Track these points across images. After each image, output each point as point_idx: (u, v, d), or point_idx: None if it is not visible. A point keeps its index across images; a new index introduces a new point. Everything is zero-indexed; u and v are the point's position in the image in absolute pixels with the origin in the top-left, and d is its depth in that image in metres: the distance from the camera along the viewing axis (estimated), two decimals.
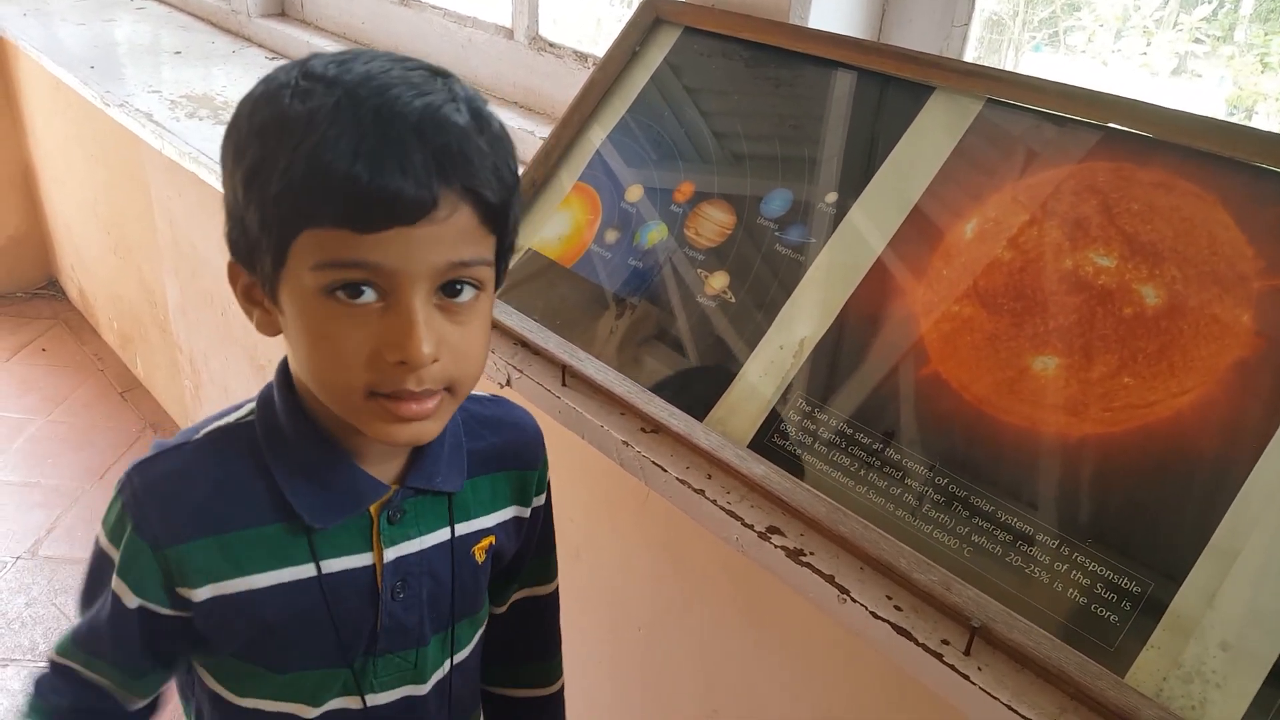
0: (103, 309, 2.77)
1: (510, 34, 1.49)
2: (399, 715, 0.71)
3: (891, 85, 0.89)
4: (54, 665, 0.67)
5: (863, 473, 0.76)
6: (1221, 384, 0.65)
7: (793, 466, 0.79)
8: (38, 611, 1.91)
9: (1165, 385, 0.67)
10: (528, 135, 1.34)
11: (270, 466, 0.63)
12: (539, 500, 0.76)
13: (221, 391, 2.09)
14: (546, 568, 0.82)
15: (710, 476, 0.82)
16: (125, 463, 0.64)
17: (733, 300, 0.89)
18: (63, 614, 1.90)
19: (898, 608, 0.69)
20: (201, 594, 0.62)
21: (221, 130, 0.59)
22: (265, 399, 0.65)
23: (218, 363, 2.06)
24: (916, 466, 0.74)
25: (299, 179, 0.52)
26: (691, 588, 1.04)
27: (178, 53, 1.96)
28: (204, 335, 2.08)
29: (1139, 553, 0.64)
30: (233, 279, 0.61)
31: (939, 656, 0.66)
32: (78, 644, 0.66)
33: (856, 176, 0.87)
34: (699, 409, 0.86)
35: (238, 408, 0.67)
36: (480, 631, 0.76)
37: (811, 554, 0.74)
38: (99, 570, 0.65)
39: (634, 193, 1.01)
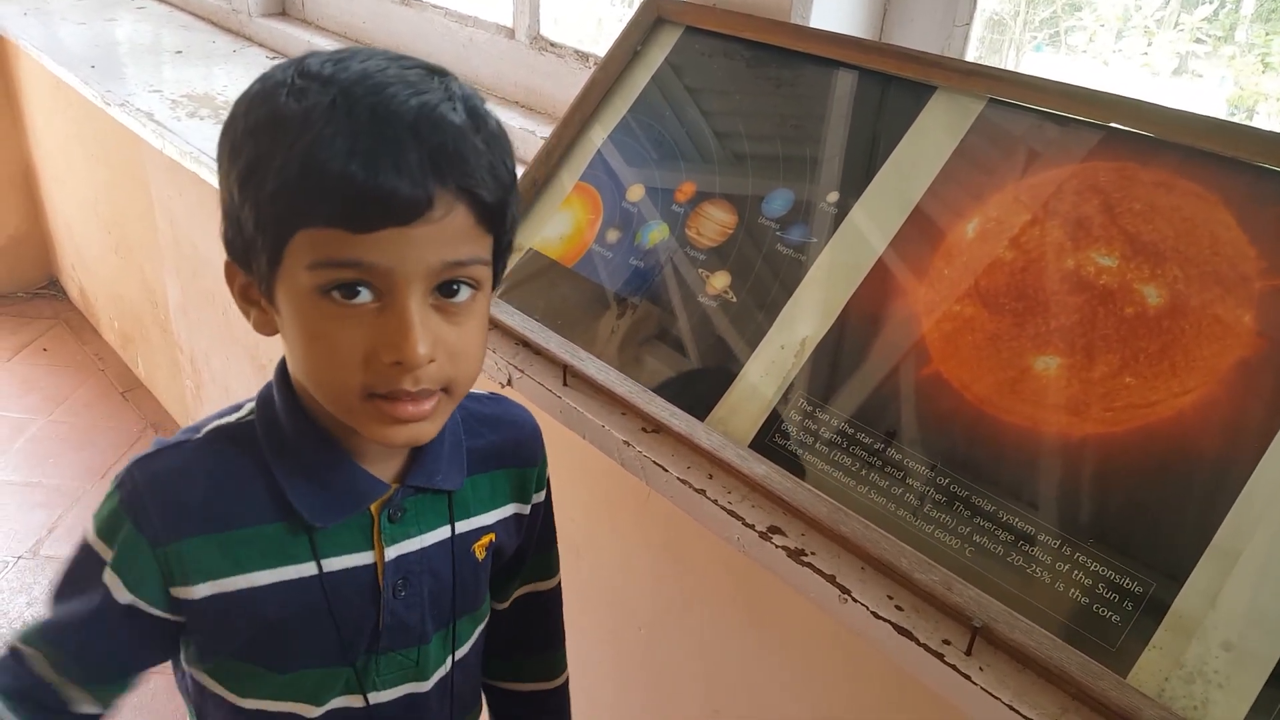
0: (104, 309, 2.77)
1: (511, 33, 1.49)
2: (401, 713, 0.71)
3: (893, 85, 0.89)
4: (12, 651, 0.65)
5: (864, 473, 0.76)
6: (1223, 384, 0.65)
7: (794, 466, 0.79)
8: (39, 611, 1.89)
9: (1167, 385, 0.67)
10: (529, 135, 1.34)
11: (271, 466, 0.62)
12: (539, 497, 0.77)
13: (223, 391, 2.09)
14: (548, 564, 0.82)
15: (711, 476, 0.82)
16: (126, 462, 0.63)
17: (734, 300, 0.89)
18: None
19: (899, 608, 0.69)
20: (200, 591, 0.62)
21: None
22: (265, 399, 0.65)
23: (219, 362, 2.06)
24: (918, 466, 0.74)
25: (294, 178, 0.52)
26: (693, 588, 1.04)
27: (179, 52, 1.96)
28: (205, 335, 2.08)
29: (1141, 553, 0.64)
30: (229, 279, 0.61)
31: (940, 656, 0.66)
32: (44, 637, 0.64)
33: (858, 176, 0.87)
34: (700, 409, 0.86)
35: (238, 407, 0.67)
36: (480, 627, 0.76)
37: (813, 554, 0.74)
38: (81, 566, 0.63)
39: (635, 192, 1.01)
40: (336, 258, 0.53)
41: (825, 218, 0.87)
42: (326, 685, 0.67)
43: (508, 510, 0.74)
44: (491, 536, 0.72)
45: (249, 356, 1.89)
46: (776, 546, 0.75)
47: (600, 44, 1.40)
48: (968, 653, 0.66)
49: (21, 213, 2.99)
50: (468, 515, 0.70)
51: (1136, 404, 0.67)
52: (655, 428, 0.87)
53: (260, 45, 2.02)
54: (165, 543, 0.61)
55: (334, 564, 0.64)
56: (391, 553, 0.66)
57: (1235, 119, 0.88)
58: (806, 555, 0.74)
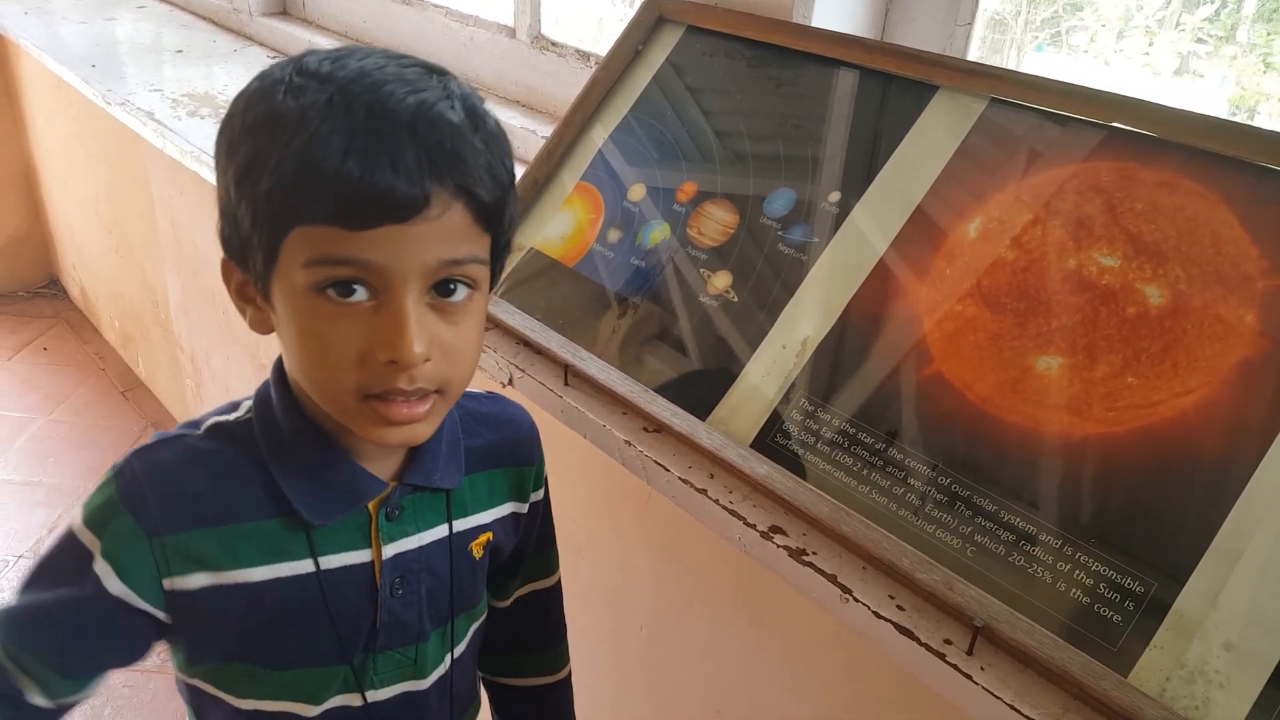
0: (104, 308, 2.77)
1: (512, 33, 1.49)
2: (399, 712, 0.70)
3: (894, 84, 0.88)
4: None
5: (865, 472, 0.76)
6: (1225, 384, 0.65)
7: (795, 466, 0.79)
8: None
9: (1169, 385, 0.67)
10: (530, 134, 1.34)
11: (268, 464, 0.62)
12: (536, 495, 0.76)
13: (223, 390, 2.09)
14: (548, 562, 0.82)
15: (712, 476, 0.82)
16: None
17: (735, 300, 0.89)
18: None
19: (900, 607, 0.69)
20: (196, 582, 0.61)
21: None
22: (262, 398, 0.64)
23: (219, 361, 2.06)
24: (919, 466, 0.74)
25: (290, 176, 0.52)
26: (694, 587, 1.04)
27: (179, 51, 1.96)
28: (205, 334, 2.08)
29: (1142, 553, 0.64)
30: (226, 276, 0.61)
31: (941, 656, 0.66)
32: (6, 623, 0.62)
33: (859, 176, 0.87)
34: (701, 408, 0.85)
35: (236, 406, 0.66)
36: (477, 625, 0.76)
37: (814, 554, 0.74)
38: (62, 556, 0.62)
39: (636, 192, 1.01)
40: (332, 255, 0.53)
41: (827, 217, 0.87)
42: (324, 684, 0.67)
43: (505, 509, 0.74)
44: (489, 535, 0.72)
45: (249, 356, 1.89)
46: (778, 546, 0.75)
47: (601, 43, 1.40)
48: (969, 653, 0.66)
49: (22, 212, 3.00)
50: (465, 514, 0.70)
51: (1138, 404, 0.67)
52: (656, 427, 0.87)
53: (261, 45, 2.02)
54: (163, 533, 0.60)
55: (331, 561, 0.64)
56: (389, 551, 0.66)
57: (1237, 119, 0.88)
58: (808, 555, 0.74)
